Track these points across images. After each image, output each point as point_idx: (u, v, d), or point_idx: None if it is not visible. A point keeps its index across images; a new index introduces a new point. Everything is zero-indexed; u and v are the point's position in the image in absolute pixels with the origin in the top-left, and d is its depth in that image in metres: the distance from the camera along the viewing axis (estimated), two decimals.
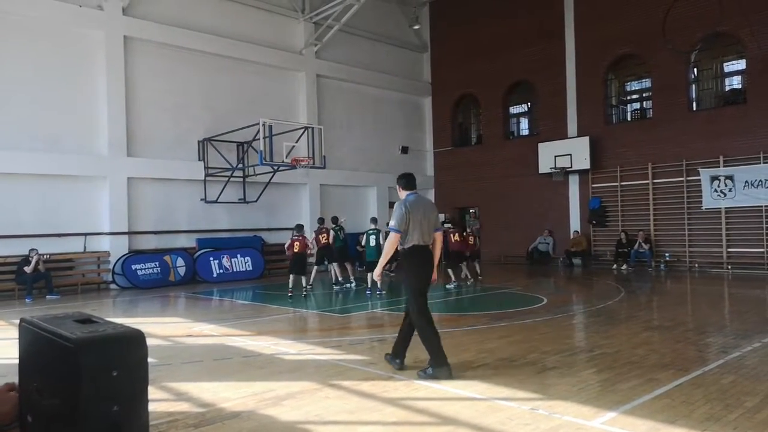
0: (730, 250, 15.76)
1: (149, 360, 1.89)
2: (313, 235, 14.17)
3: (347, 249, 14.46)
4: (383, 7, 21.41)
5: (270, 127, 14.32)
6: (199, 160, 16.39)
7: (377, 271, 5.64)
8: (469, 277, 13.88)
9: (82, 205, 14.43)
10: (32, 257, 12.66)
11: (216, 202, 16.51)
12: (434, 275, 5.69)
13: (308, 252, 12.41)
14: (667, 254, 16.68)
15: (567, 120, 18.89)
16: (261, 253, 16.98)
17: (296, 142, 15.06)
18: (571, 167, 18.25)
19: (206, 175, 16.33)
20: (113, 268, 14.48)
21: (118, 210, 14.79)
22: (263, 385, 5.20)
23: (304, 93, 18.90)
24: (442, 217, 21.13)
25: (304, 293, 11.84)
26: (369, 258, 12.67)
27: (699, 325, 7.97)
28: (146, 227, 15.46)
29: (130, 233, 15.04)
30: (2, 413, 1.95)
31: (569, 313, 9.39)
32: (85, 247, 14.41)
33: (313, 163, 15.21)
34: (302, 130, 15.37)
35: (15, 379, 2.00)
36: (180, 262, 15.32)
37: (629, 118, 18.51)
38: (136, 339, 2.03)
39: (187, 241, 16.21)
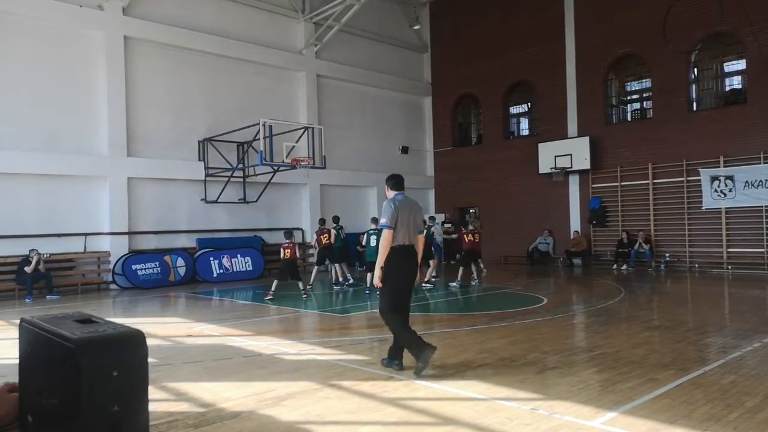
0: (730, 250, 15.76)
1: (149, 360, 1.89)
2: (315, 236, 14.20)
3: (348, 249, 14.46)
4: (383, 8, 21.41)
5: (270, 127, 14.32)
6: (200, 160, 16.39)
7: (377, 273, 5.61)
8: (476, 276, 14.01)
9: (82, 205, 14.43)
10: (32, 257, 12.67)
11: (216, 202, 16.52)
12: (418, 275, 5.83)
13: (297, 257, 12.16)
14: (667, 254, 16.68)
15: (567, 120, 18.89)
16: (261, 253, 16.98)
17: (296, 142, 15.07)
18: (571, 167, 18.25)
19: (206, 175, 16.34)
20: (113, 268, 14.48)
21: (119, 210, 14.79)
22: (263, 385, 5.20)
23: (305, 93, 18.91)
24: (441, 217, 21.28)
25: (305, 296, 11.75)
26: (369, 258, 12.68)
27: (699, 325, 7.97)
28: (146, 227, 15.46)
29: (130, 233, 15.05)
30: (2, 414, 1.95)
31: (569, 313, 9.39)
32: (85, 247, 14.42)
33: (314, 164, 15.21)
34: (302, 131, 15.38)
35: (15, 379, 2.00)
36: (180, 262, 15.33)
37: (629, 118, 18.51)
38: (137, 339, 2.02)
39: (188, 241, 16.22)
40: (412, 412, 4.41)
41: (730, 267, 15.56)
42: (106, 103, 14.67)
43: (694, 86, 16.85)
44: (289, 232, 12.17)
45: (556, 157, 18.46)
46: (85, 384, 1.71)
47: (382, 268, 5.54)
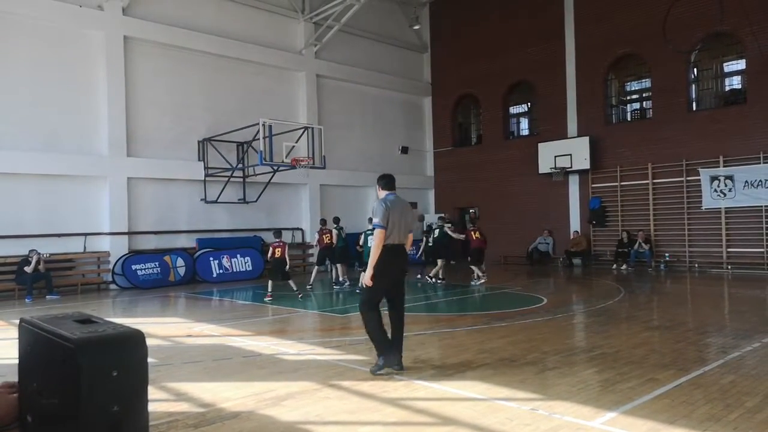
0: (729, 250, 15.76)
1: (149, 360, 1.89)
2: (317, 235, 14.24)
3: (348, 249, 14.48)
4: (383, 8, 21.41)
5: (270, 127, 14.31)
6: (199, 160, 16.39)
7: (368, 272, 5.59)
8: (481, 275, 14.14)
9: (82, 205, 14.43)
10: (32, 257, 12.66)
11: (216, 202, 16.52)
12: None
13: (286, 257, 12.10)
14: (667, 254, 16.68)
15: (567, 120, 18.89)
16: (261, 253, 16.97)
17: (296, 142, 15.07)
18: (571, 167, 18.25)
19: (206, 175, 16.34)
20: (113, 268, 14.48)
21: (118, 210, 14.79)
22: (263, 386, 5.20)
23: (304, 93, 18.91)
24: (435, 217, 21.25)
25: (300, 296, 11.67)
26: (366, 258, 12.69)
27: (699, 325, 7.97)
28: (146, 227, 15.46)
29: (130, 233, 15.04)
30: (2, 414, 1.95)
31: (569, 314, 9.39)
32: (85, 247, 14.41)
33: (313, 164, 15.20)
34: (302, 130, 15.38)
35: (15, 379, 2.00)
36: (180, 262, 15.32)
37: (629, 118, 18.51)
38: (136, 339, 2.03)
39: (187, 241, 16.21)
40: (412, 412, 4.41)
41: (729, 267, 15.56)
42: (106, 103, 14.67)
43: (693, 86, 16.85)
44: (278, 232, 12.24)
45: (555, 157, 18.47)
46: (85, 384, 1.71)
47: (374, 267, 5.53)
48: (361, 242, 13.94)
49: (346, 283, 13.65)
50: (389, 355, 5.46)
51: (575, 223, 18.76)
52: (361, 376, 5.42)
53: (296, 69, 18.77)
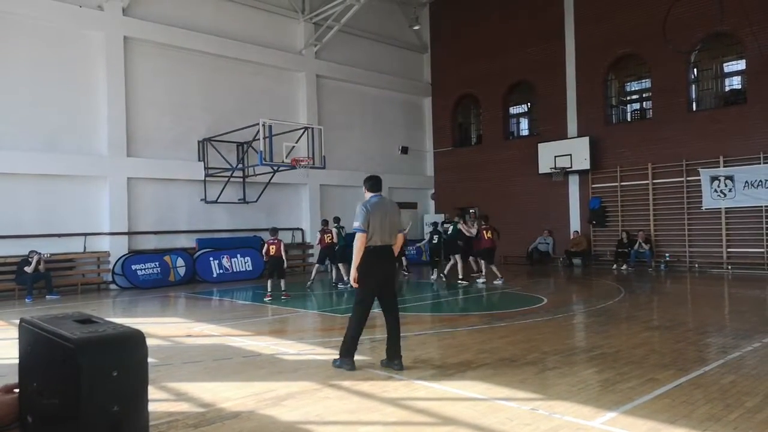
0: (730, 250, 15.76)
1: (149, 360, 1.89)
2: (318, 235, 14.28)
3: (349, 249, 14.48)
4: (383, 8, 21.41)
5: (270, 127, 14.32)
6: (199, 160, 16.39)
7: (352, 273, 5.76)
8: (480, 273, 14.17)
9: (82, 205, 14.43)
10: (32, 258, 12.66)
11: (216, 202, 16.52)
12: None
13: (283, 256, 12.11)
14: (667, 254, 16.68)
15: (567, 120, 18.89)
16: (261, 254, 16.95)
17: (296, 142, 15.07)
18: (571, 167, 18.25)
19: (206, 175, 16.33)
20: (113, 268, 14.48)
21: (118, 210, 14.79)
22: (263, 385, 5.20)
23: (304, 93, 18.91)
24: (441, 217, 21.27)
25: (284, 297, 11.52)
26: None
27: (699, 325, 7.97)
28: (146, 227, 15.46)
29: (130, 233, 15.04)
30: (2, 414, 1.94)
31: (569, 314, 9.39)
32: (85, 248, 14.41)
33: (313, 164, 15.20)
34: (302, 131, 15.38)
35: (15, 379, 2.00)
36: (180, 262, 15.32)
37: (629, 119, 18.51)
38: (136, 339, 2.02)
39: (187, 242, 16.21)
40: (412, 412, 4.41)
41: (730, 267, 15.56)
42: (106, 103, 14.67)
43: (693, 86, 16.85)
44: (274, 230, 12.33)
45: (555, 157, 18.46)
46: (85, 384, 1.71)
47: (357, 269, 5.68)
48: None
49: (349, 284, 13.66)
50: (347, 358, 5.63)
51: (575, 223, 18.76)
52: (362, 376, 5.42)
53: (296, 69, 18.78)
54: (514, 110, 21.42)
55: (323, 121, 18.61)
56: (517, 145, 20.47)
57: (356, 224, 5.64)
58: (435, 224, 16.56)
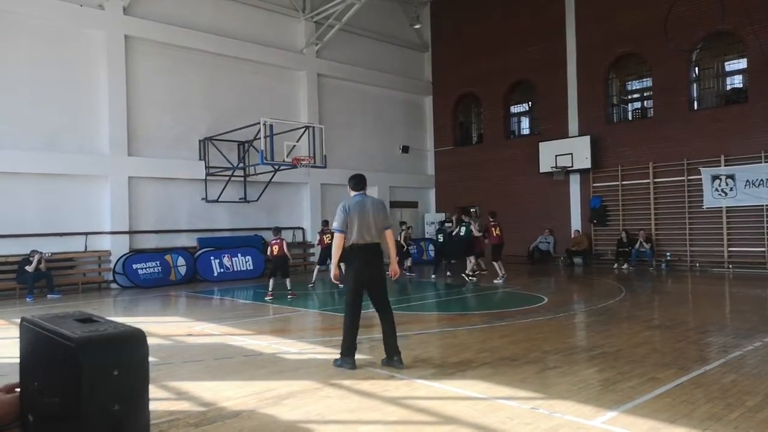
0: (731, 249, 15.76)
1: (150, 359, 1.90)
2: (318, 235, 14.28)
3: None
4: (384, 7, 21.40)
5: (271, 126, 14.31)
6: (200, 159, 16.39)
7: (332, 272, 5.93)
8: (480, 272, 14.21)
9: (83, 205, 14.44)
10: (33, 257, 12.67)
11: (217, 201, 16.52)
12: (393, 270, 6.08)
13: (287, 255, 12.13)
14: (668, 253, 16.67)
15: (568, 119, 18.89)
16: (262, 253, 16.97)
17: (297, 141, 15.07)
18: (572, 166, 18.25)
19: (207, 174, 16.34)
20: (114, 267, 14.49)
21: (119, 209, 14.80)
22: (264, 384, 5.20)
23: (305, 92, 18.91)
24: (441, 216, 21.28)
25: (290, 296, 11.57)
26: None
27: (700, 324, 7.97)
28: (147, 226, 15.47)
29: (131, 232, 15.06)
30: (2, 413, 1.95)
31: (570, 313, 9.39)
32: (86, 247, 14.42)
33: (314, 163, 15.20)
34: (303, 130, 15.38)
35: (16, 378, 2.00)
36: (181, 261, 15.34)
37: (630, 118, 18.50)
38: (137, 338, 2.03)
39: (188, 241, 16.22)
40: (412, 411, 4.41)
41: (731, 266, 15.56)
42: (107, 103, 14.68)
43: (695, 85, 16.84)
44: (277, 229, 12.32)
45: (556, 156, 18.46)
46: (86, 383, 1.72)
47: (338, 267, 5.88)
48: None
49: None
50: (347, 357, 5.66)
51: (576, 222, 18.76)
52: (362, 375, 5.42)
53: (297, 68, 18.78)
54: (515, 109, 21.42)
55: (324, 120, 18.62)
56: (518, 144, 20.46)
57: (334, 225, 5.81)
58: (441, 223, 16.60)
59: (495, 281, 13.51)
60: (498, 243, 14.05)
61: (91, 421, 1.70)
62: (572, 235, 18.61)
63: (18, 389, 2.00)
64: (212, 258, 15.90)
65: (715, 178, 15.75)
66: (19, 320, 2.04)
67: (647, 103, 17.96)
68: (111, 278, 14.56)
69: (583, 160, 18.02)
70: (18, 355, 2.01)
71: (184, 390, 5.09)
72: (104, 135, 14.71)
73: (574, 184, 18.81)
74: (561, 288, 13.23)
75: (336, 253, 5.81)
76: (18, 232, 13.37)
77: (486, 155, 21.16)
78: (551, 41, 19.14)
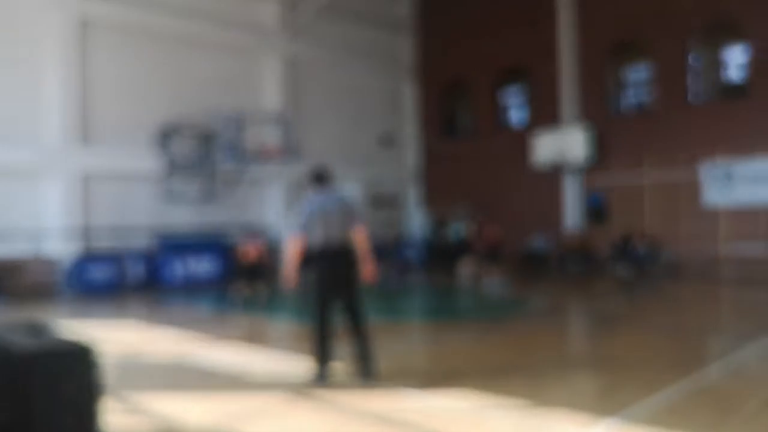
0: (731, 249, 16.05)
1: (104, 370, 1.91)
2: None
3: None
4: None
5: (239, 119, 14.16)
6: (162, 154, 16.12)
7: (286, 275, 5.92)
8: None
9: (29, 204, 14.17)
10: None
11: (178, 199, 16.30)
12: (368, 272, 5.85)
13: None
14: (666, 253, 16.93)
15: (564, 113, 19.01)
16: (226, 255, 16.78)
17: (267, 132, 14.96)
18: (567, 163, 18.39)
19: (169, 170, 16.10)
20: (65, 271, 14.26)
21: (71, 208, 14.56)
22: (230, 397, 5.19)
23: (277, 78, 18.66)
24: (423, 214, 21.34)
25: (261, 302, 11.65)
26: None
27: (699, 327, 8.15)
28: (102, 227, 15.23)
29: (84, 233, 14.81)
30: None
31: (566, 316, 9.52)
32: (33, 250, 14.16)
33: (285, 156, 15.10)
34: (273, 120, 15.28)
35: None
36: (138, 264, 15.14)
37: (629, 113, 18.71)
38: (88, 350, 2.04)
39: (146, 242, 15.98)
40: (394, 426, 4.43)
41: (731, 265, 15.86)
42: (59, 92, 14.41)
43: (696, 80, 17.13)
44: (253, 232, 12.24)
45: (551, 151, 18.56)
46: (37, 396, 1.72)
47: (294, 271, 5.83)
48: None
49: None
50: (320, 370, 5.60)
51: (572, 221, 18.94)
52: (339, 387, 5.43)
53: (268, 52, 18.57)
54: (507, 100, 21.51)
55: (297, 109, 18.48)
56: (511, 137, 20.54)
57: (294, 227, 5.82)
58: (442, 223, 16.65)
59: (491, 283, 13.63)
60: (495, 244, 14.20)
61: None
62: (568, 235, 18.78)
63: None
64: (173, 260, 15.70)
65: (715, 175, 16.03)
66: None
67: (647, 98, 18.22)
68: (62, 283, 14.30)
69: (580, 157, 18.12)
70: None
71: (142, 403, 5.05)
72: (53, 126, 14.45)
73: (570, 181, 18.94)
74: (556, 290, 13.39)
75: (289, 257, 5.80)
76: None
77: (476, 148, 21.14)
78: (546, 28, 19.11)
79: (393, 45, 22.68)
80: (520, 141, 19.79)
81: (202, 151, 16.29)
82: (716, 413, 4.44)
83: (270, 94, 18.63)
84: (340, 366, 6.05)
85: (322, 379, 5.58)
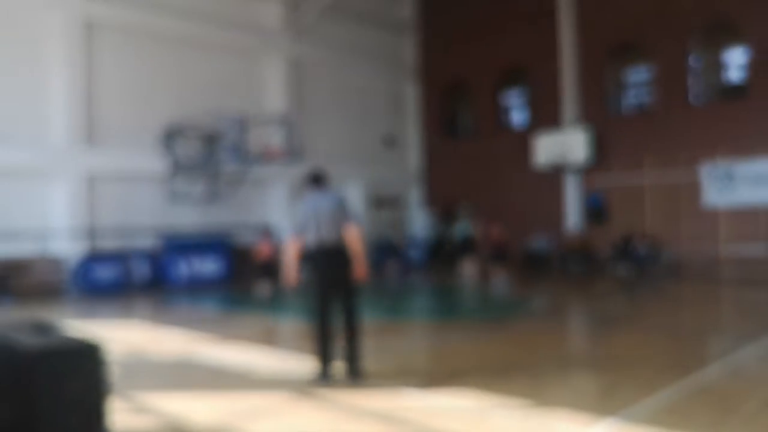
0: (731, 249, 16.03)
1: (110, 369, 1.91)
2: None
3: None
4: None
5: (243, 121, 14.20)
6: (166, 154, 16.16)
7: (288, 275, 5.98)
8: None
9: (35, 204, 14.20)
10: None
11: (182, 200, 16.33)
12: (359, 272, 5.79)
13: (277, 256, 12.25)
14: (667, 253, 16.92)
15: (564, 113, 19.01)
16: (232, 255, 16.83)
17: (271, 134, 14.99)
18: (568, 163, 18.39)
19: (173, 171, 16.14)
20: (71, 271, 14.29)
21: (76, 209, 14.58)
22: (235, 396, 5.20)
23: (281, 80, 18.70)
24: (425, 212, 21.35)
25: (271, 300, 11.72)
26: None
27: (699, 327, 8.14)
28: (107, 227, 15.27)
29: (90, 234, 14.84)
30: None
31: (566, 316, 9.52)
32: (40, 250, 14.20)
33: (289, 157, 15.14)
34: (277, 122, 15.31)
35: None
36: (143, 264, 15.18)
37: (630, 114, 18.70)
38: (95, 348, 2.04)
39: (152, 242, 16.02)
40: (396, 424, 4.44)
41: (731, 266, 15.84)
42: (64, 93, 14.43)
43: (696, 80, 17.11)
44: (266, 230, 12.34)
45: (552, 152, 18.55)
46: (42, 395, 1.73)
47: (294, 271, 5.91)
48: None
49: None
50: (322, 368, 5.61)
51: (573, 221, 18.93)
52: (342, 386, 5.44)
53: (271, 53, 18.61)
54: (508, 101, 21.51)
55: (301, 110, 18.52)
56: (512, 138, 20.55)
57: (292, 228, 5.94)
58: (447, 222, 16.64)
59: (494, 284, 13.63)
60: (499, 243, 14.22)
61: None
62: (569, 235, 18.78)
63: None
64: (178, 260, 15.74)
65: (716, 175, 16.01)
66: None
67: (647, 99, 18.19)
68: (68, 283, 14.33)
69: (580, 157, 18.12)
70: None
71: (148, 402, 5.07)
72: (60, 128, 14.46)
73: (570, 181, 18.93)
74: (557, 290, 13.38)
75: (291, 257, 5.89)
76: None
77: (477, 149, 21.18)
78: (547, 29, 19.11)
79: (395, 46, 22.69)
80: (521, 142, 19.79)
81: (206, 151, 16.34)
82: (716, 413, 4.44)
83: (273, 95, 18.67)
84: (341, 365, 6.05)
85: (325, 378, 5.59)
